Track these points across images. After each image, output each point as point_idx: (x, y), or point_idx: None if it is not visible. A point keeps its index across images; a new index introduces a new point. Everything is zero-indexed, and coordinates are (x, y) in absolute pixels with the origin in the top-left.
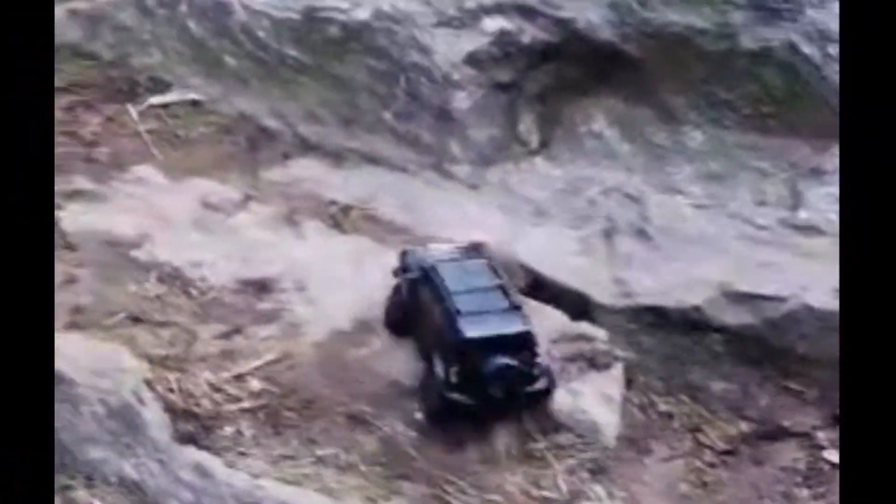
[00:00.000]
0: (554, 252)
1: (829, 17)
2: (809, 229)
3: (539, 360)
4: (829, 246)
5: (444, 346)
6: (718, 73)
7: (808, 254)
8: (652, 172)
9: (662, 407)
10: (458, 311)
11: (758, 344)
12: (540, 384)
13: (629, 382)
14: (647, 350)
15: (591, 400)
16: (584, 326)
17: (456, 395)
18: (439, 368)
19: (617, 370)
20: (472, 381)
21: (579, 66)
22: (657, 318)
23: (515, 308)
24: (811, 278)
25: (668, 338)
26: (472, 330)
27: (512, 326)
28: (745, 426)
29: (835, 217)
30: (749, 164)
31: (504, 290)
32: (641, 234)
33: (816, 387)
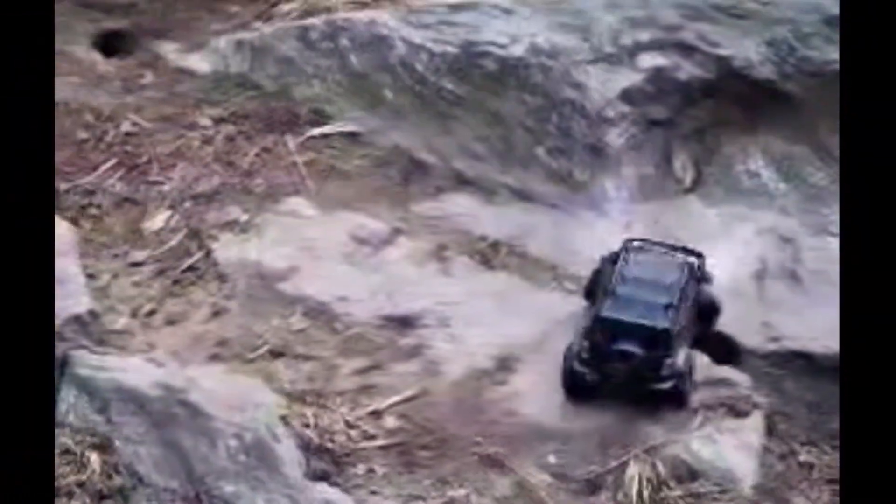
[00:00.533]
0: None
1: None
2: None
3: (672, 361)
4: None
5: (588, 321)
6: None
7: None
8: (808, 214)
9: (803, 457)
10: (612, 293)
11: None
12: (666, 384)
13: (770, 430)
14: (792, 397)
15: (730, 447)
16: (728, 371)
17: (581, 368)
18: (576, 341)
19: (757, 417)
20: (598, 359)
21: (736, 103)
22: (804, 364)
23: (669, 307)
24: None
25: (814, 385)
26: (610, 311)
27: (651, 320)
28: None
29: None
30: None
31: (676, 290)
32: (793, 276)
33: None
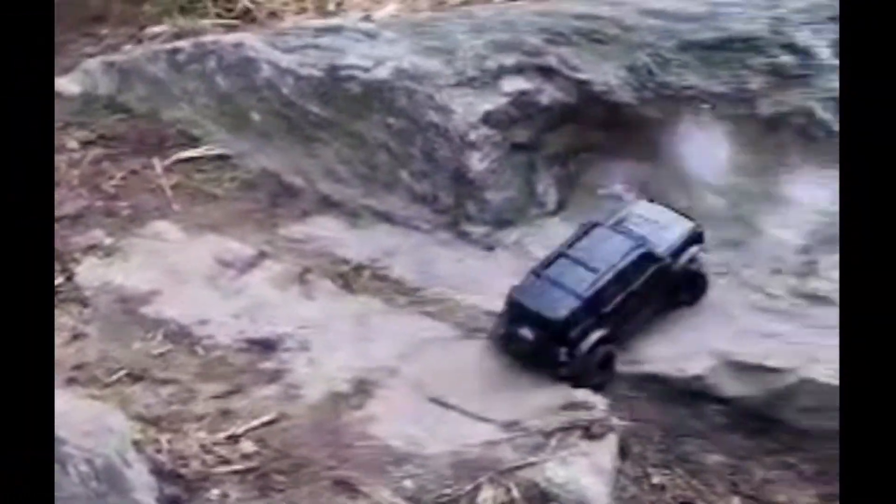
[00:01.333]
0: None
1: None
2: (820, 299)
3: (566, 350)
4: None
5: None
6: (737, 138)
7: (817, 325)
8: None
9: (656, 479)
10: (537, 273)
11: (758, 417)
12: (563, 371)
13: (624, 453)
14: (646, 420)
15: (584, 470)
16: (584, 394)
17: (497, 338)
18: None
19: (612, 440)
20: (503, 338)
21: (598, 127)
22: (659, 387)
23: (584, 295)
24: (818, 351)
25: (668, 407)
26: (518, 293)
27: (550, 310)
28: (737, 502)
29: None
30: (767, 230)
31: (608, 275)
32: None
33: (813, 463)
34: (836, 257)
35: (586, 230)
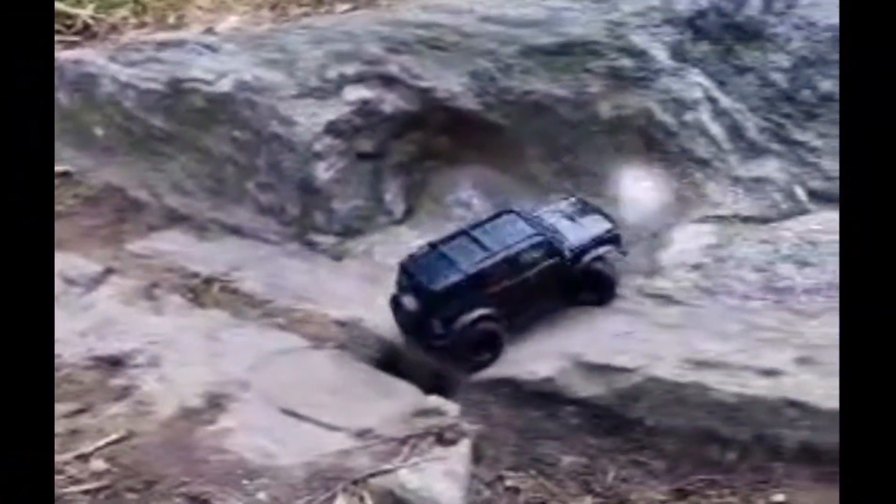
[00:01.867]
0: None
1: (684, 86)
2: (663, 297)
3: (439, 322)
4: (682, 315)
5: None
6: (579, 142)
7: (660, 323)
8: None
9: (510, 482)
10: (432, 245)
11: (609, 416)
12: (437, 343)
13: (478, 457)
14: (499, 424)
15: (437, 476)
16: (437, 400)
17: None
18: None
19: (465, 445)
20: (394, 304)
21: (443, 134)
22: (510, 390)
23: (465, 272)
24: (661, 349)
25: (520, 410)
26: (410, 263)
27: (429, 281)
28: (590, 501)
29: (688, 285)
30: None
31: (497, 258)
32: None
33: (664, 459)
34: (682, 257)
35: (499, 214)
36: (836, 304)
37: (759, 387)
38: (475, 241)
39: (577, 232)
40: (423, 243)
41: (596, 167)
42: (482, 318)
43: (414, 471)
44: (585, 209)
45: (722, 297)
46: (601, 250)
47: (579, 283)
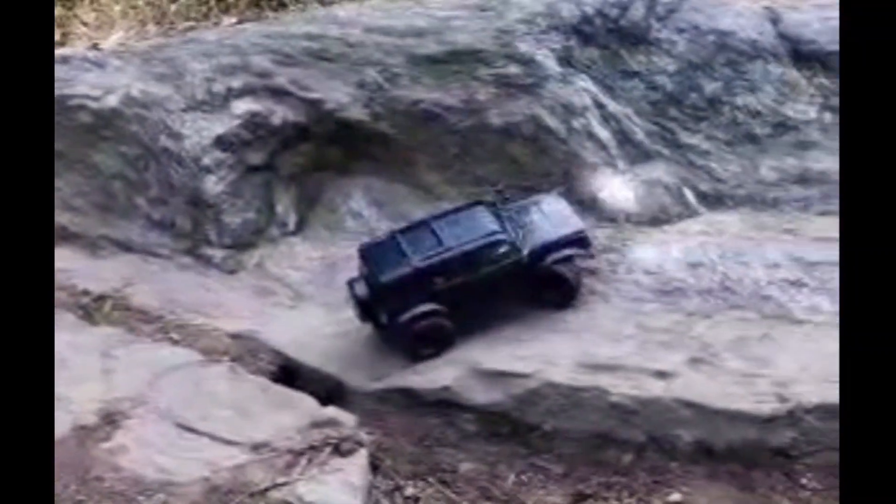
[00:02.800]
0: (308, 335)
1: (572, 92)
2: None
3: (388, 313)
4: (577, 320)
5: None
6: (470, 150)
7: (554, 328)
8: None
9: (409, 491)
10: (393, 233)
11: (507, 422)
12: (384, 336)
13: (376, 467)
14: (397, 433)
15: (336, 487)
16: (333, 411)
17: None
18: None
19: (362, 455)
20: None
21: (334, 145)
22: (407, 400)
23: (414, 266)
24: (556, 353)
25: (418, 419)
26: (367, 247)
27: (380, 272)
28: None
29: (582, 290)
30: None
31: (452, 253)
32: None
33: (561, 463)
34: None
35: (469, 205)
36: (726, 304)
37: (654, 388)
38: (433, 233)
39: (542, 231)
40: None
41: (487, 175)
42: (427, 313)
43: (312, 483)
44: (559, 207)
45: (615, 301)
46: (565, 252)
47: (538, 284)
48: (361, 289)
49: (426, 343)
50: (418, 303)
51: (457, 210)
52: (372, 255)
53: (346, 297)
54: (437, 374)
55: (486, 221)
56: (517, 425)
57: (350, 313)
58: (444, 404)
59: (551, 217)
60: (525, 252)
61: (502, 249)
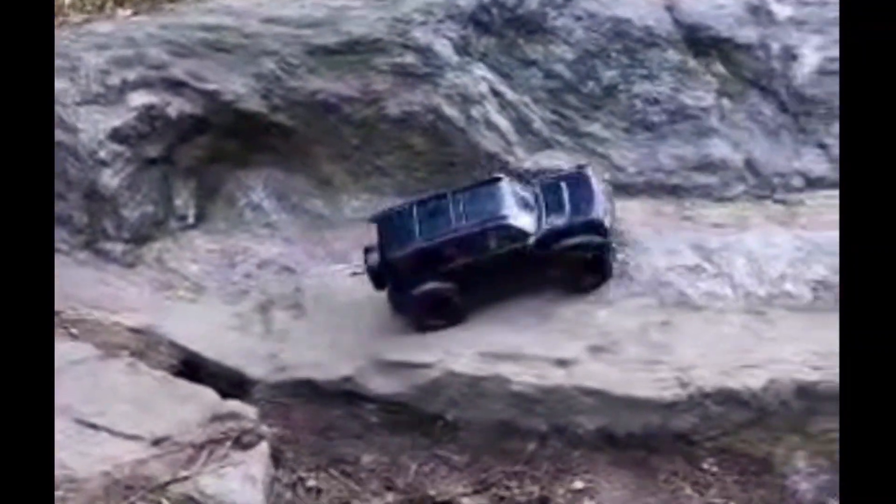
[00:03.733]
0: (209, 329)
1: (470, 80)
2: None
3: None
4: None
5: None
6: (369, 140)
7: None
8: (310, 242)
9: (311, 483)
10: (412, 204)
11: (409, 412)
12: (392, 305)
13: (278, 460)
14: (299, 425)
15: (237, 481)
16: (234, 404)
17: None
18: None
19: (264, 448)
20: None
21: (232, 137)
22: (309, 391)
23: (421, 247)
24: (457, 343)
25: (320, 411)
26: (383, 217)
27: (390, 250)
28: (392, 498)
29: None
30: None
31: (453, 235)
32: (296, 306)
33: (465, 452)
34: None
35: (493, 180)
36: (626, 292)
37: (555, 377)
38: (445, 211)
39: (556, 216)
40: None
41: (387, 165)
42: (433, 290)
43: (213, 476)
44: (587, 188)
45: (519, 290)
46: (576, 239)
47: (546, 268)
48: (374, 258)
49: (434, 315)
50: (425, 279)
51: (480, 185)
52: (385, 227)
53: (361, 264)
54: (338, 366)
55: (500, 203)
56: (419, 416)
57: (246, 305)
58: (345, 395)
59: (574, 199)
60: (532, 238)
61: (508, 234)
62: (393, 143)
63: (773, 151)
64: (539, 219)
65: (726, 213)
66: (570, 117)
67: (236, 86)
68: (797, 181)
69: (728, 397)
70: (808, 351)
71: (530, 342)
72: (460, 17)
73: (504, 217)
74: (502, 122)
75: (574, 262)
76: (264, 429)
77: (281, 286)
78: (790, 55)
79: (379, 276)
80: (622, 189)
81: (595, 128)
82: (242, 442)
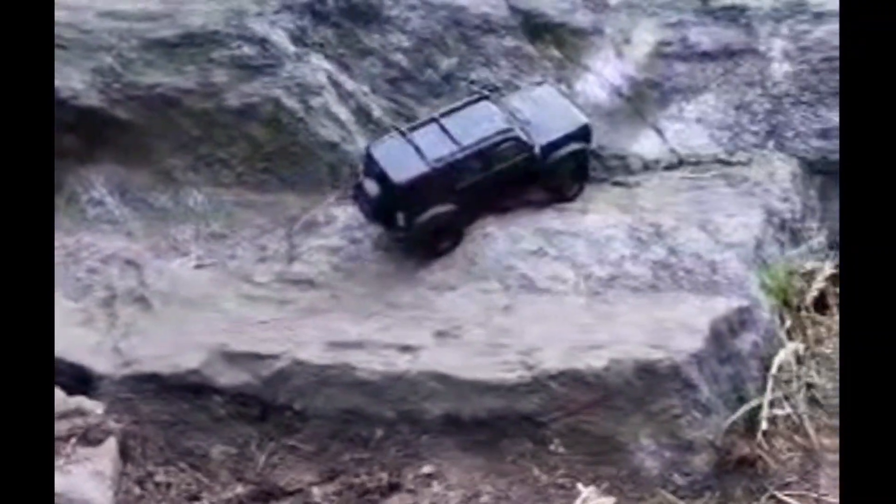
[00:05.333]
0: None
1: (308, 71)
2: (304, 283)
3: (406, 215)
4: (323, 299)
5: None
6: (210, 133)
7: (302, 308)
8: (153, 236)
9: (160, 477)
10: (402, 132)
11: (257, 403)
12: (399, 236)
13: (126, 455)
14: (147, 419)
15: (85, 477)
16: (80, 400)
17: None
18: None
19: (111, 443)
20: (357, 186)
21: (71, 133)
22: (155, 385)
23: (432, 165)
24: (303, 333)
25: (167, 405)
26: (376, 147)
27: (396, 172)
28: (241, 489)
29: (327, 268)
30: (249, 221)
31: (467, 149)
32: (141, 300)
33: (312, 442)
34: (320, 241)
35: (473, 101)
36: (470, 276)
37: (401, 363)
38: (445, 131)
39: (547, 127)
40: (58, 244)
41: (228, 157)
42: (446, 212)
43: (60, 474)
44: (557, 100)
45: (361, 277)
46: (573, 146)
47: (548, 178)
48: (373, 187)
49: (443, 239)
50: (436, 202)
51: (464, 106)
52: (383, 154)
53: (352, 198)
54: (184, 358)
55: (496, 118)
56: (267, 406)
57: (90, 301)
58: (192, 388)
59: (553, 111)
60: (537, 148)
61: (515, 146)
62: (233, 135)
63: (610, 135)
64: (532, 131)
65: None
66: (410, 105)
67: (74, 81)
68: (635, 164)
69: (572, 378)
70: (648, 331)
71: (376, 329)
72: (296, 7)
73: (510, 129)
74: (342, 112)
75: (565, 172)
76: (111, 424)
77: (125, 281)
78: (624, 39)
79: (381, 206)
80: None
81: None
82: (89, 438)
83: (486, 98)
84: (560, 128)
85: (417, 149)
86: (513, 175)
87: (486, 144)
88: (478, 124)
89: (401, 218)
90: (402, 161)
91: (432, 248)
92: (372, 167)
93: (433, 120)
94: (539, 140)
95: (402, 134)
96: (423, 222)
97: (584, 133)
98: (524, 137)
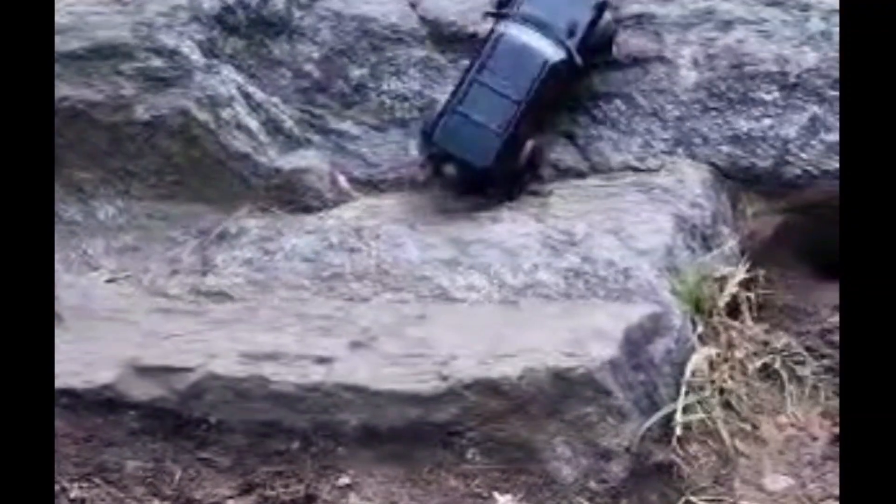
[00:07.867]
0: None
1: (218, 83)
2: (218, 295)
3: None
4: (237, 311)
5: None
6: (119, 145)
7: (216, 320)
8: (64, 250)
9: (74, 493)
10: (453, 109)
11: (172, 417)
12: (491, 193)
13: None
14: (60, 435)
15: None
16: None
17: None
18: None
19: None
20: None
21: None
22: (70, 400)
23: (501, 136)
24: (218, 345)
25: (82, 420)
26: (439, 134)
27: (473, 154)
28: (158, 503)
29: (241, 280)
30: (161, 234)
31: (524, 107)
32: (55, 315)
33: (228, 455)
34: (233, 253)
35: (494, 44)
36: (383, 287)
37: (316, 375)
38: (492, 90)
39: (570, 18)
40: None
41: (139, 170)
42: (532, 147)
43: None
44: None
45: (275, 290)
46: (602, 23)
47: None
48: (453, 169)
49: (539, 167)
50: (518, 153)
51: (489, 54)
52: (450, 142)
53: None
54: (96, 374)
55: (525, 50)
56: (182, 420)
57: None
58: (107, 403)
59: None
60: (577, 59)
61: (557, 72)
62: (144, 148)
63: None
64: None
65: (479, 204)
66: (321, 116)
67: None
68: (547, 172)
69: (486, 387)
70: (562, 339)
71: (290, 341)
72: (205, 19)
73: (546, 61)
74: (252, 124)
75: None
76: None
77: None
78: None
79: (472, 183)
80: (376, 186)
81: (346, 125)
82: None
83: (496, 31)
84: (584, 16)
85: (476, 122)
86: (558, 93)
87: (538, 86)
88: (516, 67)
89: (490, 191)
90: (472, 142)
91: (534, 177)
92: (444, 155)
93: (473, 81)
94: (568, 43)
95: (453, 111)
96: (510, 184)
97: (604, 5)
98: (558, 58)
